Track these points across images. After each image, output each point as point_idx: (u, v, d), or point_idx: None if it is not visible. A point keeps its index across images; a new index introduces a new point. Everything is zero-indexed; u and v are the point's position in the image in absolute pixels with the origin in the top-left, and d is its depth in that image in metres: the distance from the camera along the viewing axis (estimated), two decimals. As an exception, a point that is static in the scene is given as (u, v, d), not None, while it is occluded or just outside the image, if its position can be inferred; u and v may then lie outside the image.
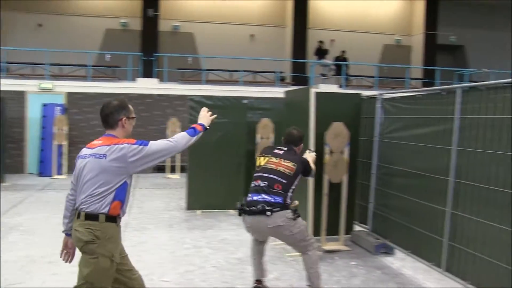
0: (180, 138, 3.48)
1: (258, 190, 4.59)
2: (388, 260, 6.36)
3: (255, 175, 4.80)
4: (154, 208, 9.66)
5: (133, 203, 10.08)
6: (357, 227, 7.44)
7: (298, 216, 4.61)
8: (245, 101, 9.48)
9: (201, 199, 9.29)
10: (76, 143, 14.84)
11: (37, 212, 9.11)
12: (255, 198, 4.56)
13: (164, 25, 19.29)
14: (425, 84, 19.51)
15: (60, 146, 14.09)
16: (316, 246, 4.90)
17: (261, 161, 4.88)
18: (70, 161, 14.55)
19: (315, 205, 6.47)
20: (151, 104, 15.38)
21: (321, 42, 18.37)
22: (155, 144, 3.40)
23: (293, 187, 4.69)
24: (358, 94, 7.43)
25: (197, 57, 18.78)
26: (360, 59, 19.70)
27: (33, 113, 14.73)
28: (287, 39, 20.24)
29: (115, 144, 3.33)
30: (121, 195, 3.32)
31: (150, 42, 18.62)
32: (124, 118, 3.50)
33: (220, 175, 9.30)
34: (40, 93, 14.81)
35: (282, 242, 6.84)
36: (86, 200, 3.27)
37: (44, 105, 14.53)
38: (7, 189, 11.73)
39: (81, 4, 19.09)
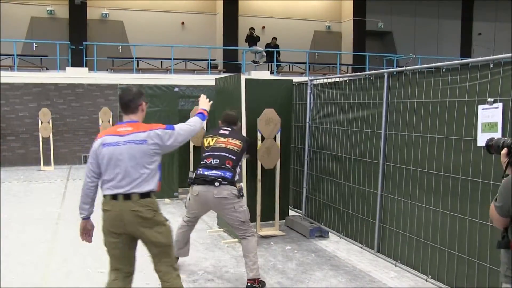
0: (195, 122, 3.92)
1: (209, 167, 4.90)
2: (322, 244, 6.55)
3: (205, 154, 5.07)
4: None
5: (66, 195, 9.87)
6: (291, 212, 7.64)
7: (242, 196, 4.94)
8: (176, 89, 9.44)
9: (135, 189, 9.20)
10: (4, 135, 14.34)
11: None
12: (206, 173, 4.87)
13: (92, 13, 18.79)
14: (355, 70, 20.03)
15: (-15, 140, 13.53)
16: (255, 233, 5.13)
17: (210, 141, 5.18)
18: (-4, 154, 14.01)
19: (249, 191, 6.58)
20: (81, 94, 14.99)
21: (252, 29, 18.46)
22: (180, 129, 3.76)
23: (240, 163, 5.17)
24: (290, 80, 7.59)
25: (127, 45, 18.41)
26: (291, 46, 19.97)
27: (-45, 105, 14.03)
28: (218, 26, 20.21)
29: (151, 130, 3.62)
30: (160, 172, 3.70)
31: (78, 31, 18.09)
32: (144, 103, 3.78)
33: (154, 165, 9.24)
34: (-38, 85, 14.12)
35: (218, 229, 6.98)
36: (135, 182, 3.55)
37: (-33, 97, 13.88)
38: None
39: (3, -9, 18.24)
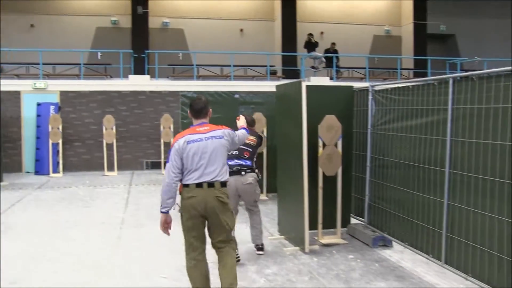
0: (244, 133, 4.95)
1: (232, 157, 5.90)
2: (386, 253, 6.39)
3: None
4: (150, 204, 9.70)
5: (129, 200, 10.14)
6: (353, 220, 7.52)
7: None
8: (236, 95, 9.54)
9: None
10: (70, 141, 14.89)
11: (36, 211, 9.17)
12: (230, 163, 5.64)
13: (154, 22, 19.29)
14: (416, 74, 19.59)
15: (55, 145, 14.09)
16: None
17: None
18: (65, 159, 14.60)
19: (311, 199, 6.52)
20: (143, 101, 15.39)
21: (310, 35, 18.38)
22: (238, 134, 4.76)
23: (255, 154, 6.28)
24: (350, 87, 7.49)
25: (188, 53, 18.77)
26: (350, 51, 19.76)
27: (28, 112, 14.72)
28: (277, 32, 20.26)
29: (224, 129, 4.50)
30: None
31: (140, 39, 18.62)
32: (210, 109, 4.63)
33: (215, 171, 9.33)
34: (35, 93, 14.80)
35: (279, 236, 6.97)
36: (219, 173, 4.33)
37: (38, 104, 14.52)
38: (5, 188, 11.84)
39: (72, 4, 19.06)
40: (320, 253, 6.37)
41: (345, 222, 7.28)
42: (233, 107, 9.42)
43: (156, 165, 15.12)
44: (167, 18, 19.64)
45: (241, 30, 20.30)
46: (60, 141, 14.14)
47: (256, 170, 6.10)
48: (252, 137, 6.23)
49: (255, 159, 6.22)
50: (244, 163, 5.99)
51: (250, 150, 6.13)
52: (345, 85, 7.84)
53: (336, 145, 6.73)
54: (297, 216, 6.52)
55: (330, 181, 6.81)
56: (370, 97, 6.93)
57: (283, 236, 7.13)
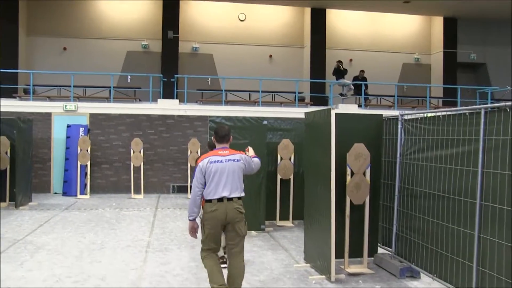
0: (259, 162, 5.59)
1: None
2: (413, 284, 6.28)
3: None
4: (176, 228, 9.72)
5: (155, 224, 10.16)
6: (380, 250, 7.38)
7: None
8: (265, 122, 9.51)
9: (222, 220, 9.30)
10: (98, 163, 15.08)
11: (63, 232, 9.25)
12: None
13: (184, 47, 19.56)
14: (446, 103, 19.39)
15: (83, 167, 14.28)
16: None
17: None
18: (93, 181, 14.77)
19: (338, 227, 6.44)
20: (171, 125, 15.55)
21: (339, 62, 18.39)
22: (254, 161, 5.50)
23: None
24: (380, 115, 7.44)
25: (217, 78, 18.98)
26: (379, 79, 19.72)
27: (58, 134, 15.02)
28: (306, 59, 20.36)
29: (242, 154, 5.36)
30: None
31: (170, 64, 18.88)
32: (231, 136, 5.48)
33: (242, 196, 9.31)
34: (65, 115, 15.11)
35: (305, 264, 6.89)
36: (236, 189, 5.13)
37: (68, 126, 14.80)
38: (34, 208, 12.07)
39: (103, 28, 19.50)
40: (346, 282, 6.27)
41: (372, 252, 7.18)
42: (261, 133, 9.39)
43: (182, 189, 15.21)
44: (197, 43, 19.92)
45: (270, 56, 20.45)
46: (88, 163, 14.33)
47: None
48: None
49: None
50: None
51: None
52: (374, 113, 7.79)
53: (364, 174, 6.67)
54: (323, 244, 6.44)
55: (357, 209, 6.74)
56: (399, 126, 6.86)
57: (309, 264, 7.04)
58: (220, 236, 5.23)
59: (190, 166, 14.54)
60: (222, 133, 5.32)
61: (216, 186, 5.05)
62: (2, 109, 14.64)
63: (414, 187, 6.50)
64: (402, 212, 6.84)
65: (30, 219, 10.52)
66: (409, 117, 6.82)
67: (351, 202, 6.66)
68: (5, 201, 12.28)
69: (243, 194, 5.19)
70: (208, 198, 5.08)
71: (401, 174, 6.87)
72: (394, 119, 7.12)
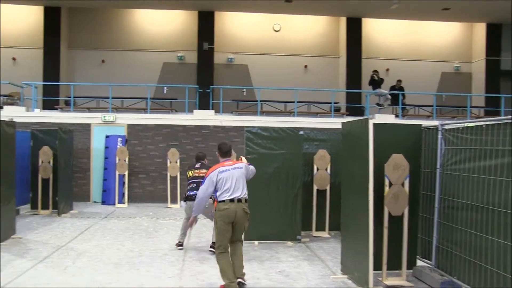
0: (253, 168, 6.80)
1: (193, 189, 8.34)
2: (454, 298, 6.14)
3: (190, 181, 8.69)
4: (213, 238, 9.74)
5: (192, 233, 10.23)
6: (419, 262, 7.24)
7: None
8: (301, 132, 9.49)
9: (258, 229, 9.29)
10: (136, 173, 15.30)
11: (102, 239, 9.43)
12: (191, 193, 8.40)
13: (219, 58, 19.79)
14: (488, 113, 18.92)
15: (121, 176, 14.51)
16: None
17: (191, 173, 8.80)
18: (130, 190, 14.99)
19: (375, 238, 6.35)
20: (207, 136, 15.67)
21: (375, 72, 18.18)
22: (252, 168, 6.76)
23: None
24: (419, 125, 7.33)
25: (252, 88, 19.07)
26: (417, 88, 19.42)
27: (97, 144, 15.34)
28: (341, 69, 20.28)
29: (242, 163, 6.62)
30: None
31: (205, 75, 19.12)
32: (233, 151, 7.02)
33: (277, 206, 9.30)
34: (104, 125, 15.42)
35: (342, 276, 6.80)
36: (243, 192, 6.33)
37: (107, 136, 15.09)
38: (75, 216, 12.38)
39: (140, 40, 19.93)
40: (385, 295, 6.17)
41: (411, 264, 7.03)
42: (297, 144, 9.36)
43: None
44: (232, 54, 20.10)
45: (305, 66, 20.45)
46: (126, 173, 14.55)
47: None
48: (204, 170, 8.54)
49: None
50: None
51: (203, 181, 6.77)
52: (413, 123, 7.67)
53: (403, 185, 6.57)
54: (361, 255, 6.36)
55: (395, 221, 6.63)
56: (439, 135, 6.74)
57: (346, 275, 6.96)
58: (230, 232, 6.27)
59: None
60: (225, 149, 6.66)
61: (228, 190, 6.24)
62: (45, 120, 15.08)
63: (455, 199, 6.37)
64: (442, 224, 6.71)
65: (71, 226, 10.76)
66: (449, 126, 6.70)
67: (389, 213, 6.57)
68: (48, 208, 12.63)
69: (247, 195, 6.40)
70: (221, 199, 6.23)
71: (441, 185, 6.75)
72: (434, 129, 7.00)
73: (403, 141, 6.95)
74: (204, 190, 6.28)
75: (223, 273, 6.14)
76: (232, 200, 6.19)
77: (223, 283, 6.13)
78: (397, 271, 6.78)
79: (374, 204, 6.15)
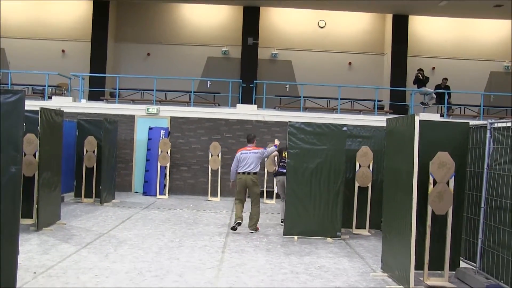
0: (271, 150, 10.23)
1: (285, 167, 9.91)
2: (500, 302, 5.95)
3: (282, 160, 10.56)
4: (281, 215, 9.84)
5: (231, 226, 10.29)
6: (463, 264, 7.06)
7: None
8: (344, 128, 9.40)
9: (298, 225, 9.29)
10: (177, 165, 15.51)
11: (143, 229, 9.60)
12: (283, 170, 10.18)
13: (263, 53, 19.79)
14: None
15: (163, 168, 14.72)
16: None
17: (285, 154, 10.16)
18: (171, 182, 15.20)
19: (418, 237, 6.21)
20: (249, 130, 15.66)
21: (420, 70, 17.76)
22: (266, 151, 10.08)
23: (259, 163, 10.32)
24: (466, 123, 7.16)
25: (295, 84, 19.01)
26: (463, 87, 18.89)
27: (140, 135, 15.60)
28: (386, 66, 19.97)
29: (259, 149, 9.98)
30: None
31: (249, 70, 19.16)
32: (255, 140, 10.24)
33: (318, 202, 9.25)
34: (147, 117, 15.67)
35: (382, 274, 6.73)
36: (253, 168, 9.64)
37: (150, 128, 15.32)
38: (117, 205, 12.67)
39: (185, 34, 20.15)
40: (426, 295, 6.05)
41: (454, 265, 6.87)
42: (340, 140, 9.27)
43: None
44: (276, 49, 20.09)
45: (349, 63, 20.24)
46: (168, 165, 14.75)
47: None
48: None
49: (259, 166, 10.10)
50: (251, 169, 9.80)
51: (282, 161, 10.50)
52: (461, 121, 7.48)
53: (448, 183, 6.41)
54: (402, 253, 6.25)
55: (439, 220, 6.50)
56: (488, 134, 6.54)
57: (386, 274, 6.86)
58: (244, 194, 9.85)
59: (267, 171, 14.58)
60: (249, 138, 10.21)
61: (242, 166, 9.68)
62: (91, 111, 15.45)
63: (504, 199, 6.16)
64: (488, 225, 6.51)
65: (113, 215, 11.00)
66: (499, 125, 6.50)
67: (432, 212, 6.43)
68: (91, 197, 12.93)
69: (257, 170, 9.71)
70: (238, 171, 9.71)
71: (488, 185, 6.55)
72: (482, 128, 6.80)
73: (450, 139, 6.80)
74: (233, 165, 9.88)
75: (235, 213, 9.83)
76: (244, 173, 9.62)
77: (263, 277, 6.16)
78: (439, 272, 6.64)
79: (417, 203, 6.03)
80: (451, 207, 6.46)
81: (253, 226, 9.74)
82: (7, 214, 4.97)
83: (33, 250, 7.50)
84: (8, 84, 16.58)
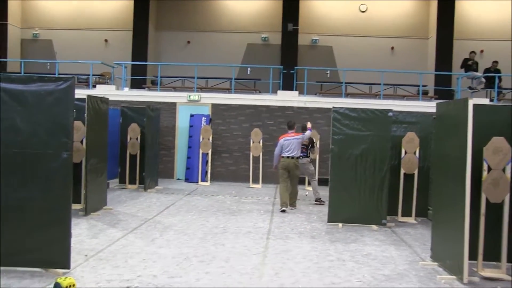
0: (307, 134, 11.10)
1: (302, 150, 11.37)
2: None
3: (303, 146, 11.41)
4: (296, 219, 9.72)
5: (274, 213, 10.25)
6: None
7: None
8: (390, 113, 9.17)
9: (342, 212, 9.16)
10: (219, 152, 15.53)
11: (187, 215, 9.66)
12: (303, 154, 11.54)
13: (303, 39, 19.59)
14: None
15: (205, 155, 14.78)
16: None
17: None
18: (213, 169, 15.26)
19: (471, 226, 6.00)
20: (291, 116, 15.48)
21: (472, 52, 17.06)
22: (305, 134, 11.06)
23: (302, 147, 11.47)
24: (524, 107, 6.85)
25: (336, 70, 18.75)
26: (516, 71, 18.16)
27: (182, 123, 15.68)
28: (430, 51, 19.43)
29: (300, 135, 10.91)
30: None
31: (289, 56, 18.99)
32: (295, 126, 11.09)
33: (363, 189, 9.09)
34: (189, 104, 15.73)
35: (431, 263, 6.55)
36: (294, 152, 10.60)
37: (192, 115, 15.37)
38: (160, 192, 12.79)
39: (225, 22, 20.13)
40: (481, 286, 5.85)
41: (511, 257, 6.58)
42: (385, 125, 9.05)
43: (300, 181, 15.13)
44: (316, 35, 19.85)
45: (392, 48, 19.81)
46: (210, 152, 14.79)
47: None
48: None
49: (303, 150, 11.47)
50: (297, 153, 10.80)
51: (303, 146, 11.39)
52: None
53: (504, 170, 6.16)
54: (454, 243, 6.06)
55: (494, 208, 6.23)
56: (548, 118, 6.25)
57: (436, 263, 6.67)
58: (287, 175, 10.59)
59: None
60: (290, 125, 10.98)
61: (286, 151, 10.55)
62: (133, 99, 15.62)
63: None
64: (546, 213, 6.24)
65: (157, 201, 11.12)
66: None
67: (487, 200, 6.20)
68: (135, 183, 13.10)
69: (299, 155, 10.75)
70: (282, 155, 10.58)
71: (546, 171, 6.26)
72: (542, 112, 6.50)
73: (505, 124, 6.49)
74: (277, 151, 10.71)
75: (281, 196, 10.59)
76: (287, 157, 10.53)
77: (309, 264, 6.09)
78: (494, 263, 6.39)
79: (470, 190, 5.82)
80: (508, 194, 6.20)
81: (294, 203, 10.96)
82: (60, 198, 5.05)
83: (83, 234, 7.67)
84: (55, 74, 16.94)
